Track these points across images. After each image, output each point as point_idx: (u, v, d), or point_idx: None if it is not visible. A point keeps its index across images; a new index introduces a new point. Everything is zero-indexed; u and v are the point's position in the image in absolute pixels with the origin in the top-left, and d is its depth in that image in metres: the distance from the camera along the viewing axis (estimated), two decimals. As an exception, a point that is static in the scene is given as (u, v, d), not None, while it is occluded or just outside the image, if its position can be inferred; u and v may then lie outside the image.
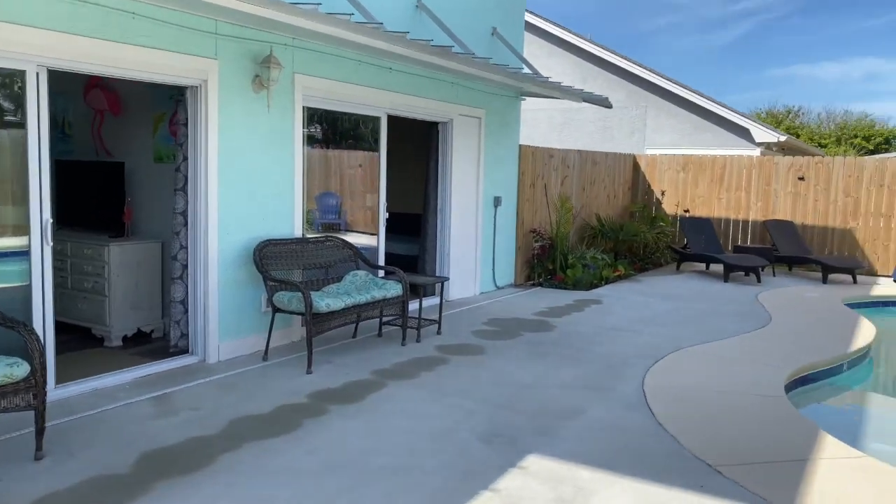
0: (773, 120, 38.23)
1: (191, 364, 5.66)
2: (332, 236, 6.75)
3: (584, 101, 9.43)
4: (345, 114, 7.13)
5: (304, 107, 6.46)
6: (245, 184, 5.93)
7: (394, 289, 6.38)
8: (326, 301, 5.61)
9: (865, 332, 7.56)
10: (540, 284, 10.18)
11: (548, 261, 10.29)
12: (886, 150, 37.23)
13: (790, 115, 42.78)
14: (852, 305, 9.63)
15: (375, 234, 7.69)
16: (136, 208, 6.52)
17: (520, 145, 10.02)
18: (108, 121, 6.72)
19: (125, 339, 6.18)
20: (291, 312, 5.73)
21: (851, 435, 4.87)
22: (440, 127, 8.54)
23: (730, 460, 4.04)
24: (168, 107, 6.24)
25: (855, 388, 6.60)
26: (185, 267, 5.76)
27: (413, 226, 9.28)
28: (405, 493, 3.58)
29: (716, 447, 4.24)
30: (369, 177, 7.60)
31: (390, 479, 3.72)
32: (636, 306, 8.78)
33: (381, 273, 7.36)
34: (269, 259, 5.95)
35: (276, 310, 5.83)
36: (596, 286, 10.16)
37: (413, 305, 7.67)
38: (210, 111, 5.53)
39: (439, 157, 8.58)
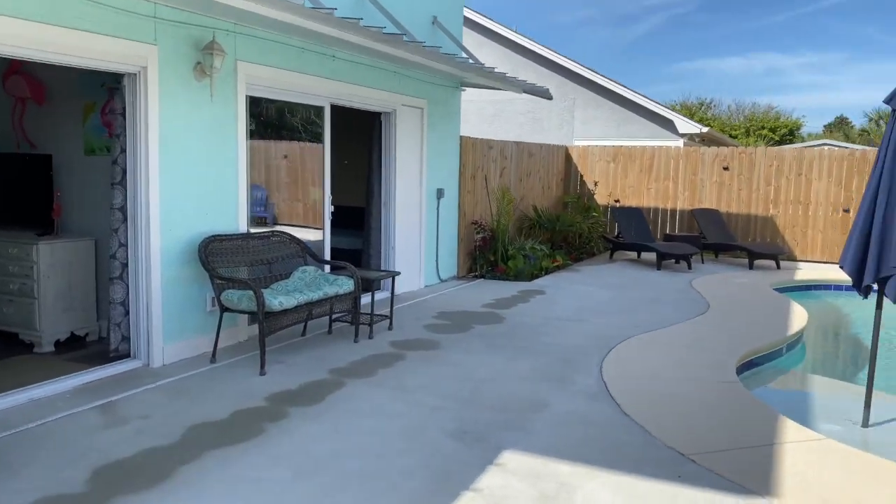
0: (686, 112, 39.62)
1: (134, 369, 5.33)
2: (278, 231, 6.50)
3: (525, 91, 9.44)
4: (288, 103, 6.86)
5: (247, 96, 6.17)
6: (188, 177, 5.61)
7: (346, 284, 6.19)
8: (279, 299, 5.39)
9: (798, 315, 7.88)
10: (482, 276, 10.16)
11: (489, 252, 10.28)
12: (790, 141, 39.26)
13: (703, 108, 44.52)
14: (781, 290, 10.04)
15: (312, 227, 7.42)
16: (66, 204, 6.09)
17: (460, 136, 9.95)
18: (31, 110, 6.24)
19: (57, 343, 5.77)
20: (241, 312, 5.48)
21: (801, 416, 5.01)
22: (383, 117, 8.37)
23: (700, 448, 4.09)
24: (99, 95, 5.84)
25: (793, 369, 6.85)
26: (125, 266, 5.41)
27: (353, 219, 9.07)
28: (383, 497, 3.45)
29: (684, 435, 4.29)
30: (309, 168, 7.35)
31: (366, 484, 3.58)
32: (579, 296, 8.88)
33: (328, 268, 7.15)
34: (214, 256, 5.66)
35: (224, 309, 5.56)
36: (537, 277, 10.22)
37: (363, 300, 7.49)
38: (150, 100, 5.19)
39: (382, 149, 8.41)
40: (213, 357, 5.62)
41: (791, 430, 4.37)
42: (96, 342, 5.99)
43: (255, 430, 4.25)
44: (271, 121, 6.76)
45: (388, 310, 7.08)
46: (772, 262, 12.27)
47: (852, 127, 48.55)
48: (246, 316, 6.12)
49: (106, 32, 4.84)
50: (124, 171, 5.31)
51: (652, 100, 17.03)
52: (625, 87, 17.21)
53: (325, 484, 3.58)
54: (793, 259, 12.91)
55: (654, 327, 7.17)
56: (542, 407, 4.77)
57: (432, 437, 4.20)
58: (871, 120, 46.01)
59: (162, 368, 5.39)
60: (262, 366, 5.36)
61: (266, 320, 5.33)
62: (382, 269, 8.51)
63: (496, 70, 8.40)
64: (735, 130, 41.31)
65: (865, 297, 5.03)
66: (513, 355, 6.04)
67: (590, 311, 7.92)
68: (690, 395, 5.07)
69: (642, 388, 5.21)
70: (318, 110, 7.23)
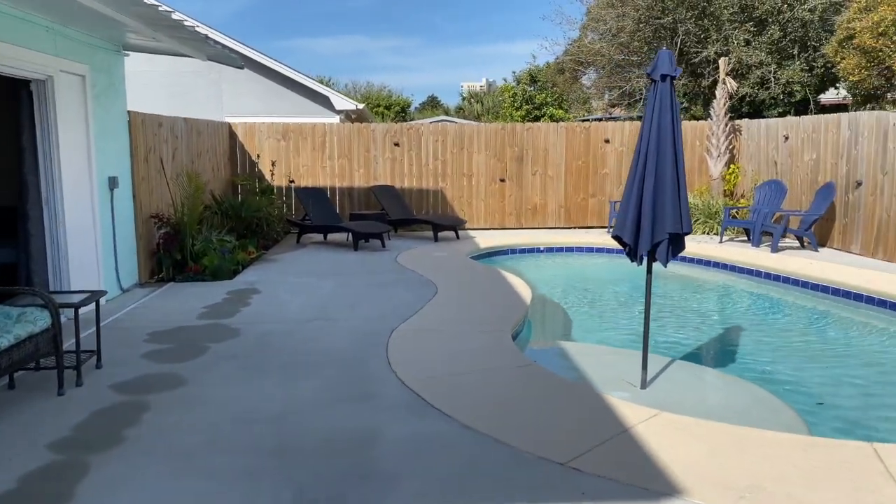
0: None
1: None
2: (-88, 253, 4.36)
3: (211, 58, 8.03)
4: None
5: None
6: None
7: (41, 319, 4.43)
8: (-44, 358, 3.55)
9: (518, 284, 8.12)
10: (171, 279, 8.52)
11: (175, 251, 8.66)
12: (404, 118, 42.26)
13: (324, 85, 45.46)
14: (476, 258, 10.41)
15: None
16: None
17: (128, 112, 8.11)
18: None
19: None
20: None
21: (589, 385, 4.98)
22: (34, 87, 6.28)
23: (570, 453, 3.70)
24: None
25: (533, 339, 6.97)
26: None
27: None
28: None
29: (542, 441, 3.87)
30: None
31: None
32: (300, 290, 7.95)
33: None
34: None
35: None
36: (237, 273, 8.95)
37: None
38: None
39: (38, 128, 6.33)
40: None
41: (624, 409, 4.26)
42: None
43: (-15, 581, 2.65)
44: None
45: (86, 341, 5.35)
46: (452, 233, 12.73)
47: (444, 105, 54.21)
48: None
49: None
50: None
51: (306, 75, 16.44)
52: (276, 60, 16.32)
53: None
54: (463, 228, 13.60)
55: (405, 315, 6.68)
56: (373, 438, 3.91)
57: (277, 518, 3.09)
58: (463, 98, 51.91)
59: None
60: (-61, 464, 3.49)
61: (-62, 394, 3.46)
62: (52, 288, 6.50)
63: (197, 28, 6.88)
64: (356, 108, 42.97)
65: (640, 263, 5.19)
66: (285, 377, 4.98)
67: (327, 307, 7.09)
68: (506, 388, 4.70)
69: (456, 390, 4.67)
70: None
